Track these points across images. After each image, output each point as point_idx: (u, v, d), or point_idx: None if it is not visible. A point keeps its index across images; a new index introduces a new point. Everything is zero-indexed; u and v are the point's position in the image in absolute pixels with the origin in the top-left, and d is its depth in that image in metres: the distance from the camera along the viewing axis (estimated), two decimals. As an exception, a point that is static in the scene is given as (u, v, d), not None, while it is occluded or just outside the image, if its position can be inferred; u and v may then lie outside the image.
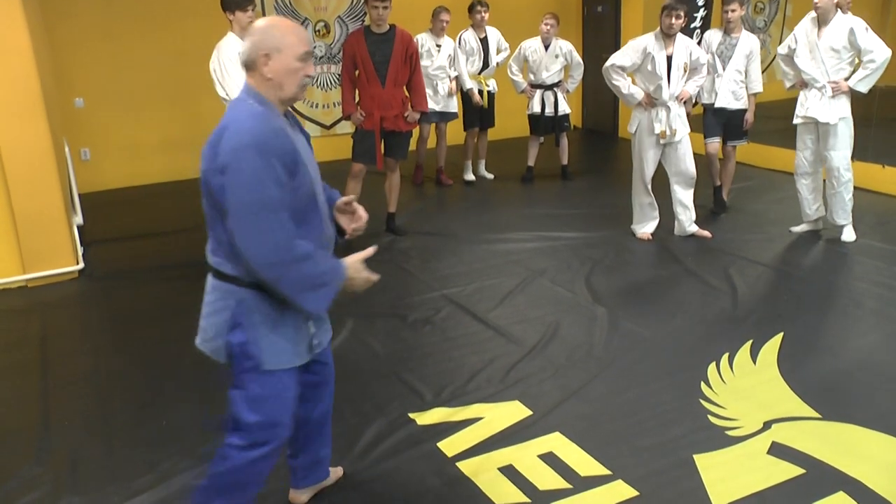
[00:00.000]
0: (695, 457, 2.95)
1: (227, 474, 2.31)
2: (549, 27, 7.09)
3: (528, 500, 2.74)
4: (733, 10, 5.74)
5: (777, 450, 2.99)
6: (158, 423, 3.36)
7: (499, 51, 7.48)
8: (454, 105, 7.24)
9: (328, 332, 2.51)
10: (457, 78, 7.23)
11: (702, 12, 7.92)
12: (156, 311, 4.65)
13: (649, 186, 5.55)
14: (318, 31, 8.44)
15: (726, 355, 3.78)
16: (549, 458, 2.98)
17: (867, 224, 5.71)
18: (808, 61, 5.26)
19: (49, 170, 4.99)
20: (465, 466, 2.94)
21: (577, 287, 4.74)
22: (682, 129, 5.40)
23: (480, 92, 7.41)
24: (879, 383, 3.51)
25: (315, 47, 8.43)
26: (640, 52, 5.30)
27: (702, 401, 3.37)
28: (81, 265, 5.28)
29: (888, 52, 5.09)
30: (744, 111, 5.96)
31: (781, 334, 3.98)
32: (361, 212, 2.52)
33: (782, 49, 5.53)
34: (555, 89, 7.26)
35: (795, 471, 2.86)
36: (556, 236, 5.75)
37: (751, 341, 3.92)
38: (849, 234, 5.45)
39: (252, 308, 2.23)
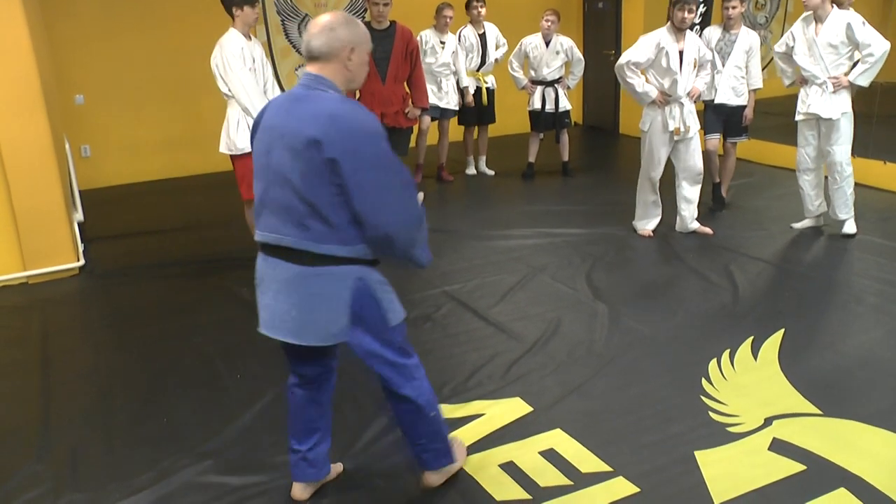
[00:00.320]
0: (696, 453, 2.95)
1: (429, 419, 2.62)
2: (549, 23, 7.08)
3: (528, 496, 2.74)
4: (734, 7, 5.73)
5: (778, 446, 2.99)
6: (159, 421, 3.36)
7: (497, 46, 7.48)
8: (456, 101, 7.23)
9: None
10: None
11: (702, 8, 7.91)
12: (156, 308, 4.65)
13: (657, 185, 5.53)
14: (319, 27, 8.42)
15: (727, 352, 3.78)
16: (550, 455, 2.98)
17: (868, 220, 5.70)
18: (807, 58, 5.25)
19: (49, 167, 4.99)
20: (465, 463, 2.93)
21: (578, 284, 4.74)
22: (694, 125, 5.39)
23: (479, 89, 7.41)
24: (880, 379, 3.51)
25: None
26: (653, 47, 5.23)
27: (703, 397, 3.37)
28: (82, 262, 5.28)
29: (887, 45, 5.08)
30: (744, 108, 5.95)
31: (782, 331, 3.98)
32: None
33: (779, 47, 5.52)
34: (555, 86, 7.25)
35: (796, 467, 2.85)
36: (556, 233, 5.74)
37: (752, 338, 3.92)
38: (850, 227, 5.46)
39: (373, 279, 2.41)
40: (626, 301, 4.45)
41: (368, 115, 2.30)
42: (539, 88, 7.27)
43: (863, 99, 5.35)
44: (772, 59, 5.83)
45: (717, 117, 5.99)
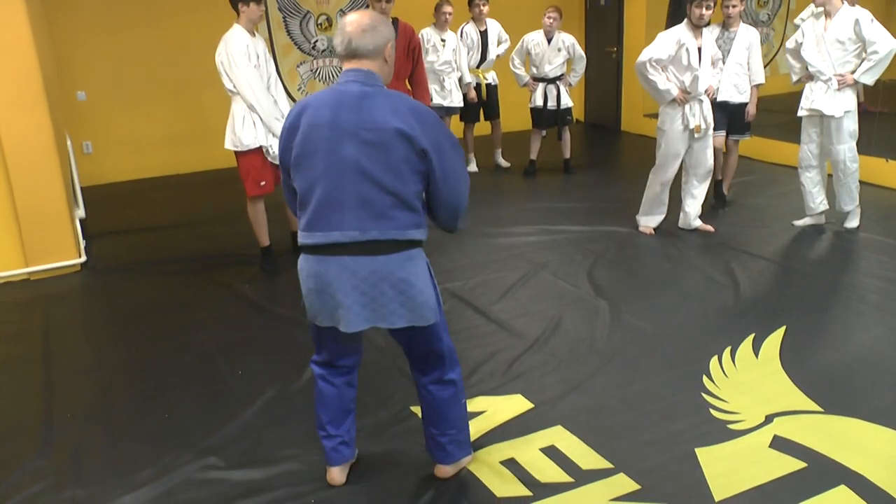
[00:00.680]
0: (697, 450, 2.95)
1: (463, 403, 2.77)
2: (551, 20, 7.07)
3: (529, 493, 2.74)
4: (734, 6, 5.72)
5: (779, 443, 2.99)
6: (160, 417, 3.37)
7: (499, 42, 7.47)
8: (459, 99, 7.23)
9: None
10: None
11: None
12: (158, 304, 4.66)
13: (669, 184, 5.49)
14: (321, 24, 8.43)
15: (728, 349, 3.78)
16: (551, 452, 2.98)
17: (870, 218, 5.69)
18: (815, 54, 5.23)
19: (51, 163, 5.00)
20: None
21: (580, 281, 4.74)
22: (711, 122, 5.39)
23: (479, 85, 7.41)
24: (881, 377, 3.50)
25: (317, 41, 8.42)
26: (674, 43, 5.18)
27: (704, 394, 3.37)
28: (84, 258, 5.28)
29: (893, 44, 5.05)
30: (746, 105, 5.94)
31: (784, 328, 3.98)
32: None
33: (790, 44, 5.51)
34: (557, 83, 7.24)
35: (797, 464, 2.86)
36: (558, 230, 5.74)
37: (753, 335, 3.92)
38: (853, 220, 5.48)
39: (429, 263, 2.57)
40: (628, 298, 4.45)
41: (427, 107, 2.50)
42: (541, 85, 7.26)
43: (866, 98, 5.32)
44: (774, 56, 5.83)
45: (720, 115, 5.98)
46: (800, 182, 5.57)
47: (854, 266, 4.99)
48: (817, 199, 5.55)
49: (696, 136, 5.33)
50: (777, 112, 8.79)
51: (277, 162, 2.70)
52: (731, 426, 3.12)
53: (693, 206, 5.58)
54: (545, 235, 5.64)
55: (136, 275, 5.18)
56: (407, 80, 5.86)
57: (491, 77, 7.53)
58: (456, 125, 7.60)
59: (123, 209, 6.82)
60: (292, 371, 3.69)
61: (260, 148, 4.79)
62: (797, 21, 8.33)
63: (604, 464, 2.89)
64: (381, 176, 2.33)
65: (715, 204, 6.22)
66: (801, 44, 5.34)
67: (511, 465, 2.91)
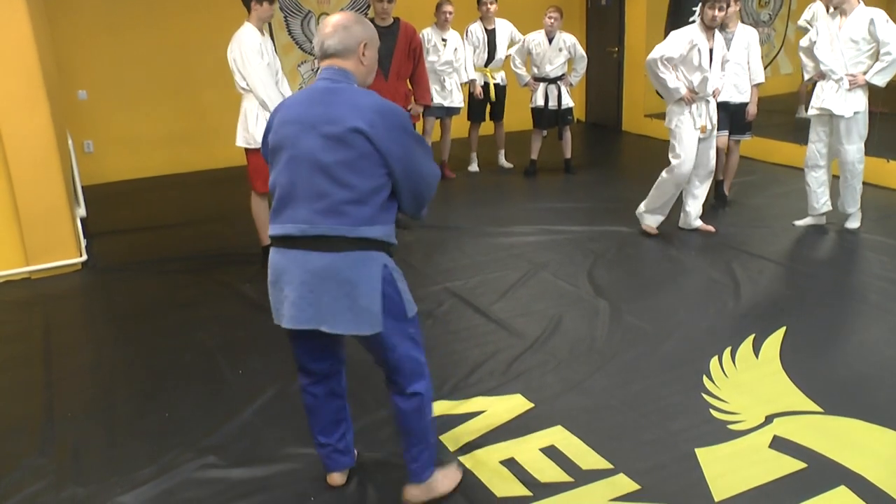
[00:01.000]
0: (696, 451, 2.95)
1: (428, 418, 2.61)
2: (552, 20, 7.07)
3: (529, 493, 2.75)
4: (729, 7, 5.72)
5: (779, 444, 2.99)
6: (161, 416, 3.37)
7: (512, 43, 7.45)
8: (459, 100, 7.22)
9: None
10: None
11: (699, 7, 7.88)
12: (158, 303, 4.66)
13: (683, 186, 5.44)
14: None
15: (729, 349, 3.78)
16: (551, 452, 2.98)
17: (871, 219, 5.69)
18: (828, 52, 5.20)
19: (52, 162, 5.00)
20: (466, 459, 2.94)
21: (580, 280, 4.74)
22: (716, 123, 5.39)
23: (487, 84, 7.41)
24: (882, 378, 3.50)
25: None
26: (686, 43, 5.17)
27: (704, 395, 3.37)
28: (84, 257, 5.29)
29: None
30: (747, 104, 5.93)
31: (784, 328, 3.98)
32: None
33: (804, 41, 5.51)
34: (558, 83, 7.24)
35: (797, 465, 2.86)
36: (558, 230, 5.74)
37: (753, 335, 3.92)
38: (855, 221, 5.48)
39: (392, 267, 2.45)
40: (628, 298, 4.45)
41: (397, 106, 2.45)
42: (542, 85, 7.26)
43: (870, 97, 5.30)
44: (775, 56, 5.83)
45: (722, 115, 5.97)
46: (805, 181, 5.55)
47: (854, 266, 4.99)
48: (821, 200, 5.54)
49: (701, 136, 5.33)
50: (778, 112, 8.81)
51: None
52: (731, 426, 3.12)
53: (694, 206, 5.58)
54: (545, 235, 5.64)
55: (137, 274, 5.18)
56: (408, 80, 5.86)
57: (500, 77, 7.52)
58: (460, 125, 7.61)
59: (124, 208, 6.82)
60: (292, 370, 3.64)
61: None
62: (800, 23, 8.32)
63: (604, 464, 2.89)
64: (338, 170, 2.29)
65: (716, 204, 6.21)
66: (815, 42, 5.32)
67: (511, 465, 2.91)
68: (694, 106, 5.26)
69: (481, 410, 3.29)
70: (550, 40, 7.14)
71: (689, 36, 5.18)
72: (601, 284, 4.67)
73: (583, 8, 10.03)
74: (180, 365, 3.84)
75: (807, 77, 5.58)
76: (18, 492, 2.85)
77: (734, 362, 3.66)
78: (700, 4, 5.20)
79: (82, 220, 5.80)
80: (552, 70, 7.20)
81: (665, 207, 5.56)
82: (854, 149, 5.25)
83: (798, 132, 8.02)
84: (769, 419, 3.16)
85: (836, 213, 5.61)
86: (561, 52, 7.15)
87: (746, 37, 5.83)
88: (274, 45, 5.10)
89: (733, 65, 5.80)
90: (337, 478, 2.81)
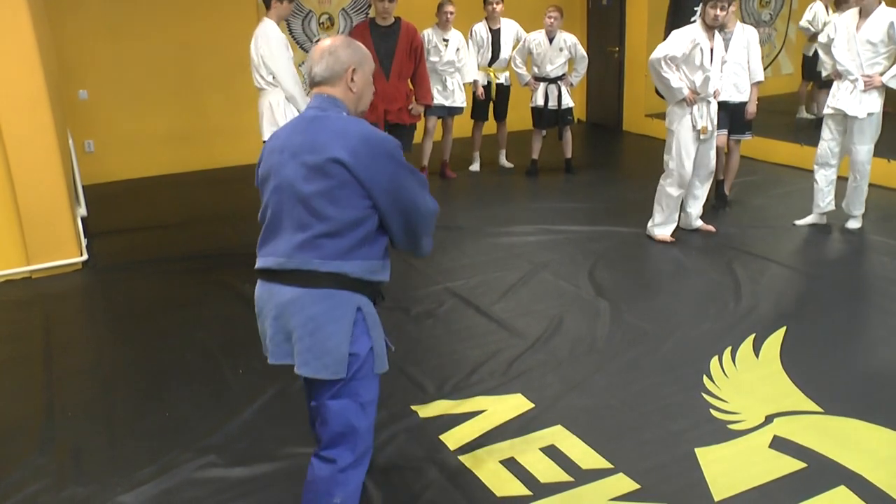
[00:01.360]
0: (696, 450, 2.95)
1: (337, 500, 2.25)
2: (553, 20, 7.07)
3: (529, 492, 2.75)
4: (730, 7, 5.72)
5: (779, 444, 2.99)
6: (161, 415, 3.37)
7: (518, 43, 7.45)
8: (462, 99, 7.22)
9: None
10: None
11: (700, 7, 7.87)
12: (159, 303, 4.66)
13: (686, 186, 5.43)
14: (322, 23, 8.43)
15: (729, 349, 3.78)
16: (551, 451, 2.98)
17: (872, 219, 5.69)
18: (845, 52, 5.19)
19: (53, 162, 5.00)
20: (466, 459, 2.94)
21: (581, 281, 4.74)
22: (716, 124, 5.39)
23: (489, 83, 7.41)
24: (882, 378, 3.50)
25: (318, 40, 8.40)
26: (689, 42, 5.15)
27: (704, 395, 3.37)
28: (85, 257, 5.29)
29: None
30: (746, 104, 5.93)
31: (784, 328, 3.98)
32: None
33: (822, 38, 5.53)
34: (558, 82, 7.23)
35: (797, 465, 2.86)
36: (559, 230, 5.74)
37: (753, 335, 3.92)
38: (857, 222, 5.50)
39: (368, 312, 2.28)
40: (628, 298, 4.45)
41: (387, 135, 2.30)
42: (542, 85, 7.25)
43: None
44: (776, 56, 5.83)
45: (722, 114, 5.97)
46: (814, 178, 5.53)
47: (855, 267, 4.99)
48: (827, 199, 5.54)
49: (702, 137, 5.32)
50: (779, 112, 8.80)
51: None
52: (731, 426, 3.12)
53: (695, 206, 5.57)
54: (546, 235, 5.64)
55: (138, 273, 5.19)
56: (409, 80, 5.87)
57: (503, 77, 7.52)
58: (462, 124, 7.61)
59: (125, 208, 6.83)
60: (292, 370, 3.68)
61: None
62: (801, 24, 8.33)
63: (604, 464, 2.89)
64: (316, 201, 2.15)
65: (716, 204, 6.21)
66: (833, 39, 5.30)
67: (511, 464, 2.91)
68: (695, 107, 5.25)
69: (482, 410, 3.29)
70: (551, 40, 7.13)
71: (691, 35, 5.17)
72: (602, 284, 4.67)
73: (583, 8, 10.03)
74: (181, 364, 3.85)
75: (825, 74, 5.58)
76: (18, 492, 2.85)
77: (734, 362, 3.66)
78: (701, 4, 5.19)
79: (83, 219, 5.80)
80: (553, 70, 7.19)
81: (673, 214, 5.51)
82: (866, 149, 5.26)
83: (799, 132, 8.03)
84: (769, 419, 3.16)
85: (837, 213, 5.61)
86: (561, 51, 7.15)
87: (746, 36, 5.82)
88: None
89: (733, 64, 5.79)
90: None
